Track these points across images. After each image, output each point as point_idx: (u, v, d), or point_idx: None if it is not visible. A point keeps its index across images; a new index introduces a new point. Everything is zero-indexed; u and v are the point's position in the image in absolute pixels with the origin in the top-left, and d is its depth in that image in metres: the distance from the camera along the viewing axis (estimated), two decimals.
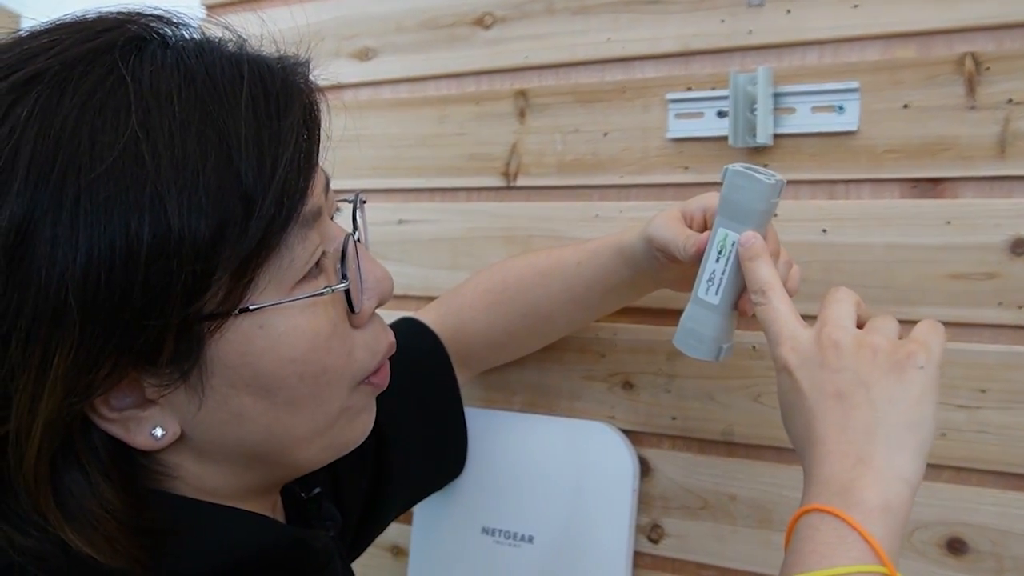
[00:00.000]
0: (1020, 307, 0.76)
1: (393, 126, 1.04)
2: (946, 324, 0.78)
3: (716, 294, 0.67)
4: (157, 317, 0.47)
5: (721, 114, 0.86)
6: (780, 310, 0.62)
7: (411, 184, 1.04)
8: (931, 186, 0.79)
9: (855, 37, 0.81)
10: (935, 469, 0.80)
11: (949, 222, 0.78)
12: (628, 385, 0.93)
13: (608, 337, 0.94)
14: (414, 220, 1.03)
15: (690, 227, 0.73)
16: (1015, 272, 0.76)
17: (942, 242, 0.79)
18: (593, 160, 0.93)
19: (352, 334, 0.57)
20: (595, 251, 0.82)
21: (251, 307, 0.50)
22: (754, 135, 0.83)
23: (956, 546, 0.79)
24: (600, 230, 0.93)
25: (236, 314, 0.50)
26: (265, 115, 0.50)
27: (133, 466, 0.52)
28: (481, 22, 0.98)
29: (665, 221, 0.73)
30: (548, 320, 0.87)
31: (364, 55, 1.06)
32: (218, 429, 0.53)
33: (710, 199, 0.73)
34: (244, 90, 0.49)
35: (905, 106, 0.79)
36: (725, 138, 0.85)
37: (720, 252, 0.67)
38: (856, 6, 0.80)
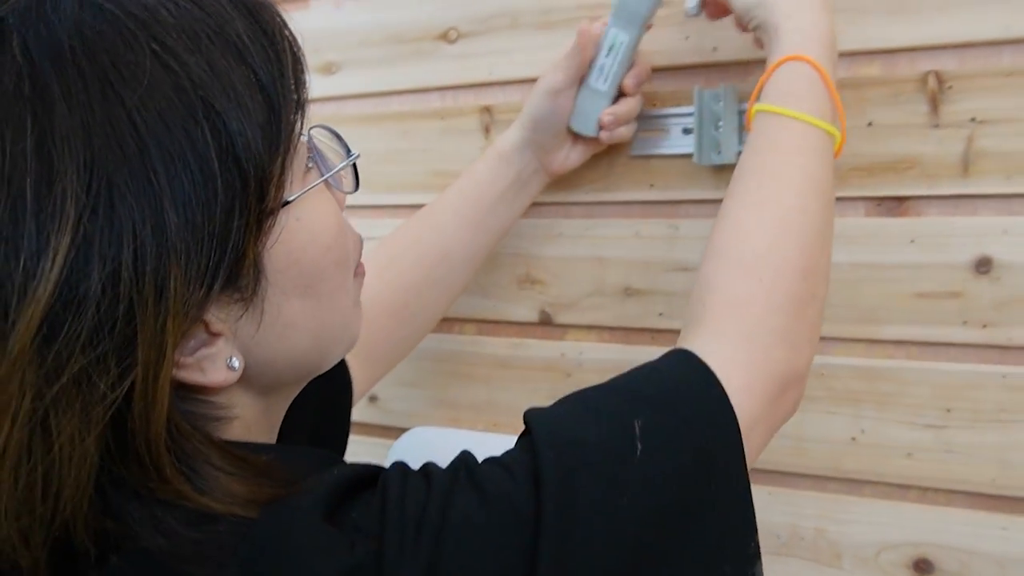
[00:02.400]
0: (985, 326, 0.76)
1: (357, 142, 1.02)
2: (911, 343, 0.79)
3: (605, 82, 0.82)
4: (240, 221, 0.48)
5: (686, 131, 0.85)
6: None
7: (376, 201, 1.02)
8: (896, 204, 0.79)
9: None
10: (901, 489, 0.79)
11: (914, 241, 0.78)
12: None
13: (574, 356, 0.93)
14: (379, 237, 1.02)
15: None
16: (979, 291, 0.76)
17: (907, 261, 0.78)
18: (557, 177, 0.92)
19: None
20: (472, 169, 0.86)
21: (289, 199, 0.52)
22: (719, 152, 0.82)
23: (923, 566, 0.78)
24: (565, 248, 0.92)
25: (281, 209, 0.51)
26: (250, 14, 0.52)
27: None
28: (446, 37, 0.97)
29: (549, 69, 0.83)
30: (445, 258, 0.85)
31: (328, 69, 1.04)
32: (272, 348, 0.54)
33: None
34: (240, 9, 0.51)
35: (870, 124, 0.79)
36: (690, 155, 0.84)
37: (611, 49, 0.81)
38: None
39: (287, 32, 0.53)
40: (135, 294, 0.45)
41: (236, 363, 0.52)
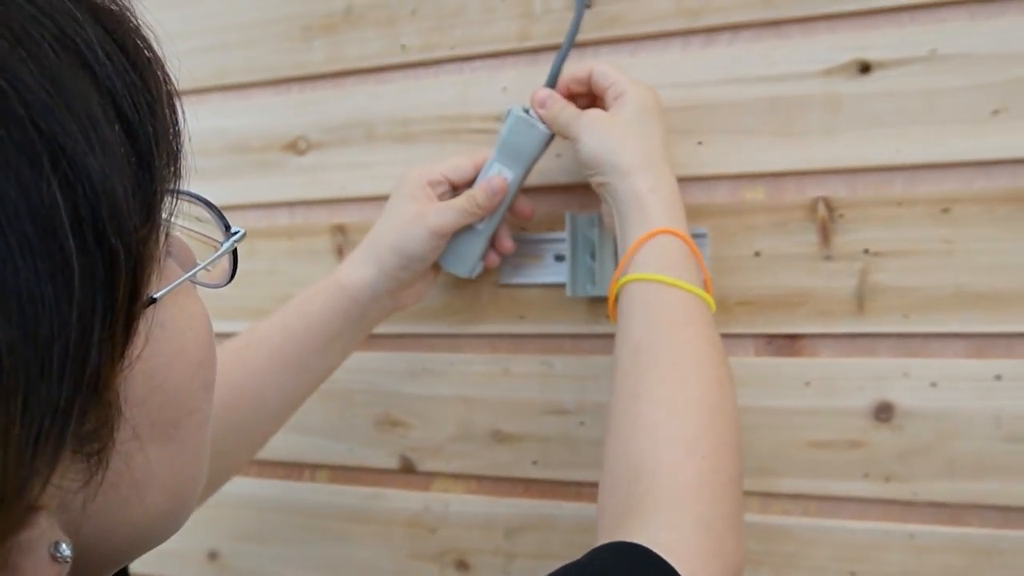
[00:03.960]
0: (888, 479, 0.69)
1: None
2: (809, 498, 0.71)
3: (483, 222, 0.73)
4: (103, 332, 0.32)
5: (559, 257, 0.77)
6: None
7: (216, 328, 0.90)
8: (788, 343, 0.71)
9: (701, 176, 0.73)
10: None
11: (808, 383, 0.70)
12: (462, 565, 0.81)
13: (439, 509, 0.82)
14: None
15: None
16: (881, 440, 0.69)
17: (802, 405, 0.71)
18: (419, 307, 0.81)
19: None
20: (303, 302, 0.72)
21: (155, 296, 0.36)
22: (594, 283, 0.74)
23: None
24: (428, 386, 0.82)
25: (144, 310, 0.35)
26: (97, 21, 0.35)
27: None
28: (294, 147, 0.87)
29: (437, 207, 0.71)
30: (256, 405, 0.70)
31: None
32: (111, 518, 0.37)
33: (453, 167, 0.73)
34: (87, 14, 0.34)
35: (757, 254, 0.72)
36: (563, 285, 0.75)
37: None
38: (700, 143, 0.73)
39: (151, 55, 0.37)
40: None
41: (65, 550, 0.33)
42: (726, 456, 0.55)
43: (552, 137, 0.71)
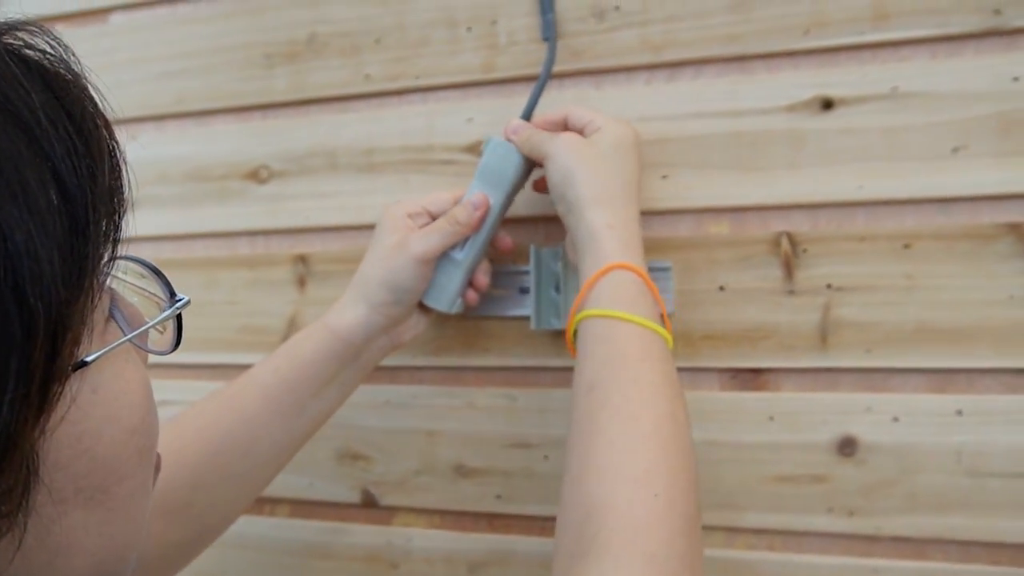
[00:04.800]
0: (851, 514, 0.69)
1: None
2: (773, 532, 0.71)
3: (462, 251, 0.71)
4: (16, 390, 0.32)
5: (523, 290, 0.76)
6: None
7: (173, 359, 0.88)
8: (752, 377, 0.71)
9: (666, 210, 0.73)
10: None
11: (772, 418, 0.70)
12: None
13: (402, 544, 0.80)
14: (176, 401, 0.88)
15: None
16: (844, 475, 0.69)
17: (766, 440, 0.70)
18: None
19: None
20: (294, 347, 0.70)
21: (87, 359, 0.36)
22: (559, 316, 0.74)
23: None
24: (391, 419, 0.81)
25: (73, 374, 0.35)
26: (48, 87, 0.36)
27: None
28: (256, 176, 0.86)
29: (419, 233, 0.70)
30: (248, 452, 0.68)
31: None
32: None
33: (433, 200, 0.73)
34: (36, 81, 0.36)
35: (721, 288, 0.72)
36: (528, 318, 0.75)
37: None
38: (665, 176, 0.73)
39: (100, 121, 0.38)
40: None
41: None
42: (680, 492, 0.53)
43: (532, 164, 0.71)
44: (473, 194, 0.71)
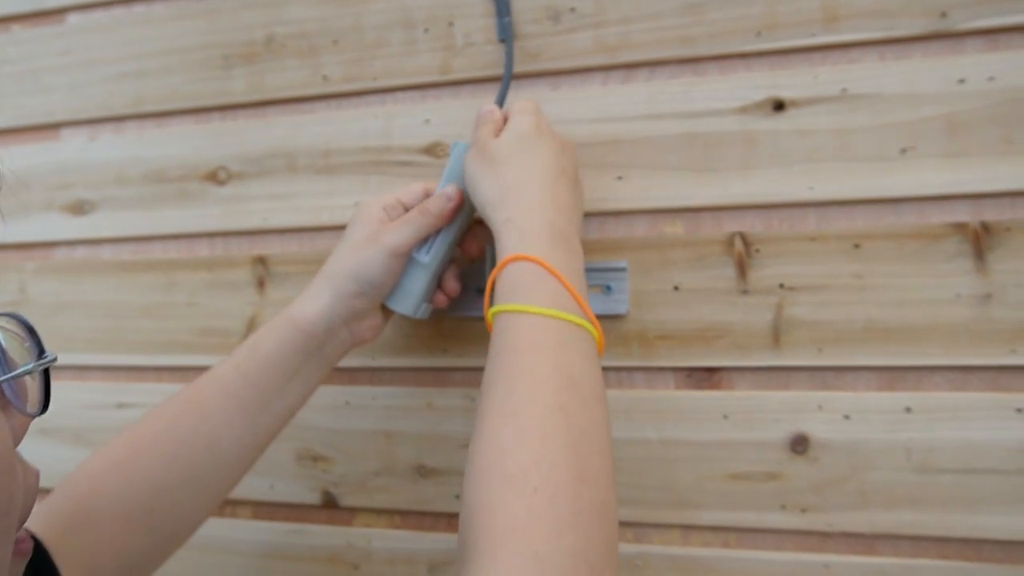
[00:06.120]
0: (804, 511, 0.69)
1: (113, 292, 0.89)
2: (728, 530, 0.71)
3: (427, 253, 0.71)
4: None
5: (480, 291, 0.76)
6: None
7: (133, 361, 0.88)
8: (707, 376, 0.72)
9: (621, 211, 0.74)
10: None
11: (726, 416, 0.71)
12: None
13: (362, 545, 0.81)
14: (136, 404, 0.87)
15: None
16: (797, 472, 0.69)
17: (720, 438, 0.71)
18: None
19: None
20: (256, 341, 0.69)
21: None
22: None
23: None
24: (350, 420, 0.81)
25: None
26: None
27: None
28: (214, 177, 0.85)
29: (391, 226, 0.70)
30: (210, 452, 0.67)
31: (79, 209, 0.90)
32: None
33: (407, 192, 0.73)
34: None
35: (676, 288, 0.72)
36: (483, 316, 0.75)
37: None
38: (620, 177, 0.73)
39: None
40: None
41: None
42: (566, 486, 0.50)
43: None
44: (448, 187, 0.70)
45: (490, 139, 0.67)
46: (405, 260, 0.70)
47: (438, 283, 0.73)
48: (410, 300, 0.71)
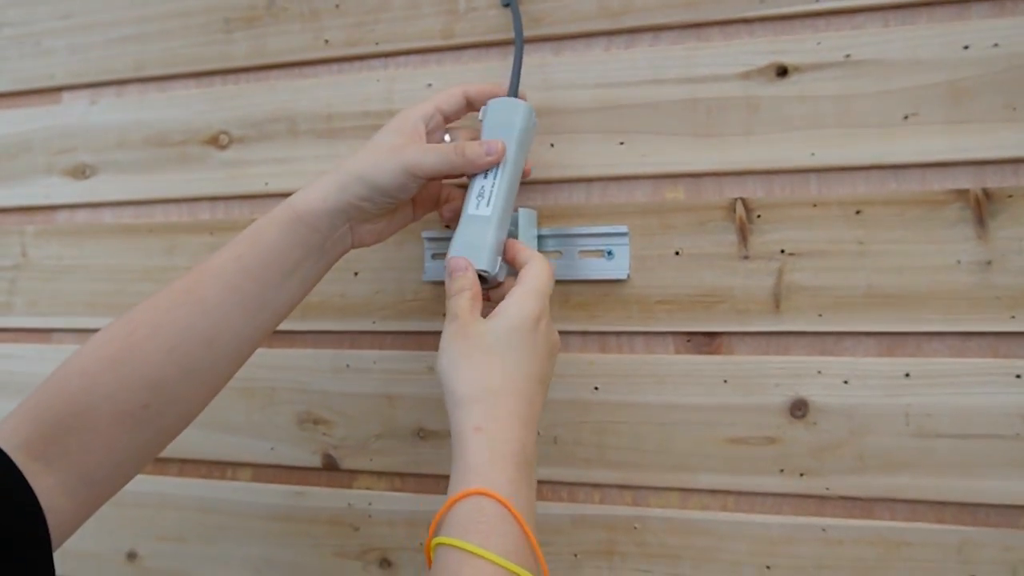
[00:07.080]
0: (802, 474, 0.70)
1: (115, 256, 0.89)
2: (727, 493, 0.72)
3: (488, 205, 0.67)
4: None
5: None
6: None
7: None
8: (706, 341, 0.72)
9: (623, 176, 0.74)
10: None
11: (726, 381, 0.71)
12: (386, 563, 0.80)
13: (362, 507, 0.81)
14: None
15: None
16: (795, 436, 0.70)
17: (719, 402, 0.72)
18: (342, 303, 0.81)
19: None
20: (256, 233, 0.66)
21: None
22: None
23: None
24: (351, 383, 0.81)
25: None
26: None
27: None
28: (216, 141, 0.85)
29: (420, 145, 0.66)
30: (208, 345, 0.64)
31: (81, 172, 0.90)
32: None
33: (445, 96, 0.70)
34: None
35: (677, 253, 0.72)
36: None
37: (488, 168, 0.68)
38: (622, 143, 0.73)
39: None
40: None
41: None
42: None
43: (533, 115, 0.69)
44: (496, 141, 0.67)
45: (475, 319, 0.63)
46: (419, 184, 0.66)
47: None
48: (484, 255, 0.66)
